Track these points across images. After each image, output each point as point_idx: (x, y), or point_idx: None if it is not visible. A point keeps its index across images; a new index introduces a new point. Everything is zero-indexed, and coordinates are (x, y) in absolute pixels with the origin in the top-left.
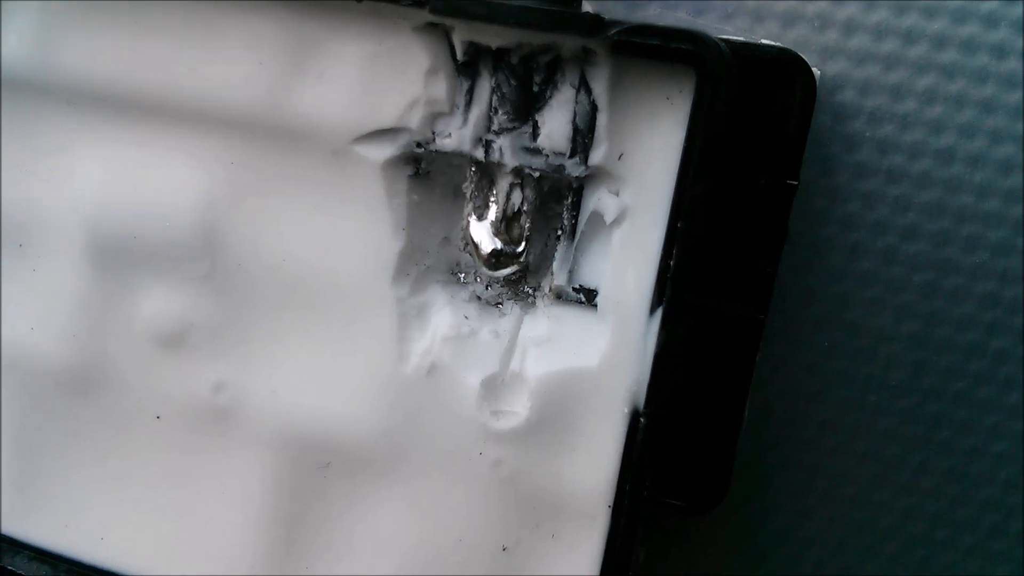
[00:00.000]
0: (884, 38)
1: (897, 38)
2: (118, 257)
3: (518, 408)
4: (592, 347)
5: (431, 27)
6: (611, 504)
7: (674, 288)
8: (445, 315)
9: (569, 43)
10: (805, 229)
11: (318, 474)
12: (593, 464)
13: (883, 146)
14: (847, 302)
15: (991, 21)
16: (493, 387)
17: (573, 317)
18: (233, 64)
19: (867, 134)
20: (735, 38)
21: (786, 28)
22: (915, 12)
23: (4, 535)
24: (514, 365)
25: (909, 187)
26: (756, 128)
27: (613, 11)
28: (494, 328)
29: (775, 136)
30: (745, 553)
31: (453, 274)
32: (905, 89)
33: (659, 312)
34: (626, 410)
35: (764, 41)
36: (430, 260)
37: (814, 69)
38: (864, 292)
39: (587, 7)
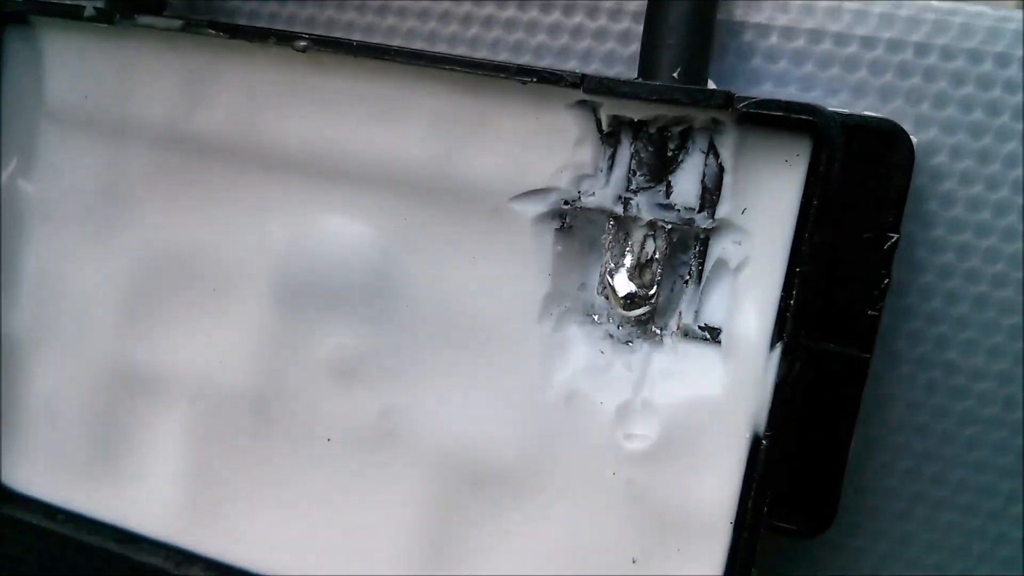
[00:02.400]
0: (971, 110)
1: (982, 109)
2: (301, 300)
3: (649, 432)
4: (716, 379)
5: (582, 104)
6: (733, 520)
7: (793, 327)
8: (582, 350)
9: (700, 115)
10: (908, 277)
11: (469, 491)
12: (716, 483)
13: (974, 203)
14: (946, 343)
15: None
16: (626, 413)
17: (698, 352)
18: (411, 135)
19: (960, 192)
20: (843, 111)
21: (884, 101)
22: (999, 87)
23: (180, 548)
24: (645, 393)
25: (997, 240)
26: (863, 188)
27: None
28: (626, 361)
29: (880, 195)
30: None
31: (588, 315)
32: (991, 154)
33: (778, 348)
34: (748, 435)
35: (867, 113)
36: (569, 303)
37: (911, 137)
38: (960, 334)
39: (711, 85)
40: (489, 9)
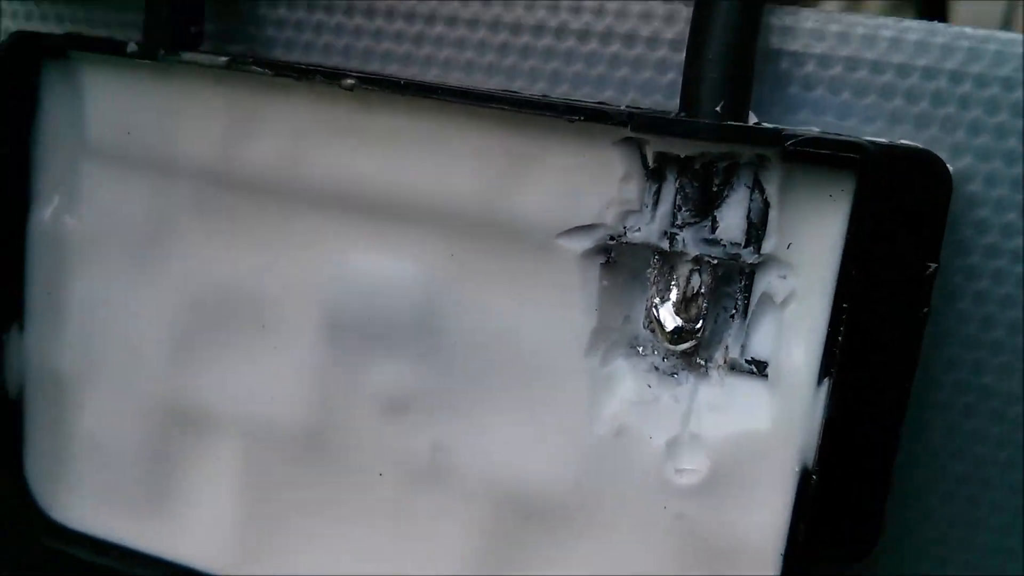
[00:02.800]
0: (1006, 138)
1: (1016, 138)
2: (350, 336)
3: (698, 466)
4: (763, 412)
5: (627, 141)
6: (783, 552)
7: (843, 363)
8: (629, 383)
9: (745, 151)
10: (944, 304)
11: (521, 525)
12: (766, 517)
13: (1008, 230)
14: (982, 368)
15: None
16: (675, 447)
17: (745, 386)
18: (458, 172)
19: (994, 220)
20: (880, 140)
21: (919, 129)
22: None
23: None
24: (693, 427)
25: None
26: (901, 217)
27: (768, 118)
28: (674, 394)
29: (917, 224)
30: None
31: (633, 348)
32: None
33: (826, 383)
34: (796, 468)
35: (903, 142)
36: (615, 336)
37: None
38: (996, 359)
39: (752, 116)
40: (526, 38)
